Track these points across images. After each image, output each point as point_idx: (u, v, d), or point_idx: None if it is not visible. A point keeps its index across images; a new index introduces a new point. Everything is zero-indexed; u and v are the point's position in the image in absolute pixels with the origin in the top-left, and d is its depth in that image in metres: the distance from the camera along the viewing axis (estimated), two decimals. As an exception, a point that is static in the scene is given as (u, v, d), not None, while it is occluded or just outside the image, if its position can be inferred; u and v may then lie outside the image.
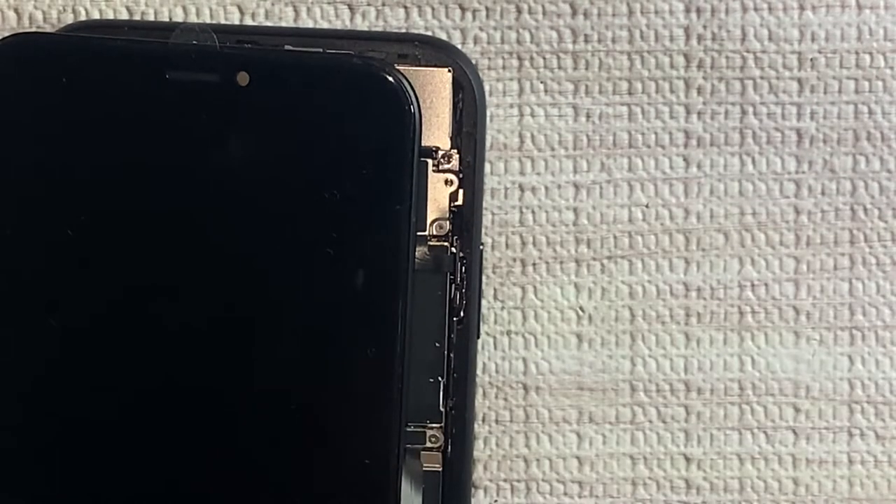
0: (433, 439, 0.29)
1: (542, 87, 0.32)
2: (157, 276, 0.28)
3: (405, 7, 0.32)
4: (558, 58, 0.32)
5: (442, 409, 0.29)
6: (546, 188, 0.33)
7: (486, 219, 0.32)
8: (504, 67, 0.32)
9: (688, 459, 0.33)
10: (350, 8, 0.32)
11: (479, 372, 0.31)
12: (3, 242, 0.28)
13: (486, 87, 0.31)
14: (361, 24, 0.32)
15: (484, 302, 0.32)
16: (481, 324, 0.31)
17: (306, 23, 0.32)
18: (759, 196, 0.33)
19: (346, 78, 0.27)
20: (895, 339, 0.33)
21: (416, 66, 0.29)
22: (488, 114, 0.31)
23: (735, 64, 0.32)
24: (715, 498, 0.33)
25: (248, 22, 0.32)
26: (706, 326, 0.33)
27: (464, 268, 0.29)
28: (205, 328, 0.28)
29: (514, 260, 0.33)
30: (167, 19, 0.32)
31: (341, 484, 0.28)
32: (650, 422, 0.33)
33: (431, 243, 0.29)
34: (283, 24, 0.32)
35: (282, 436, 0.28)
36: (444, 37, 0.32)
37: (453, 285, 0.29)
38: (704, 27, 0.32)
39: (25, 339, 0.28)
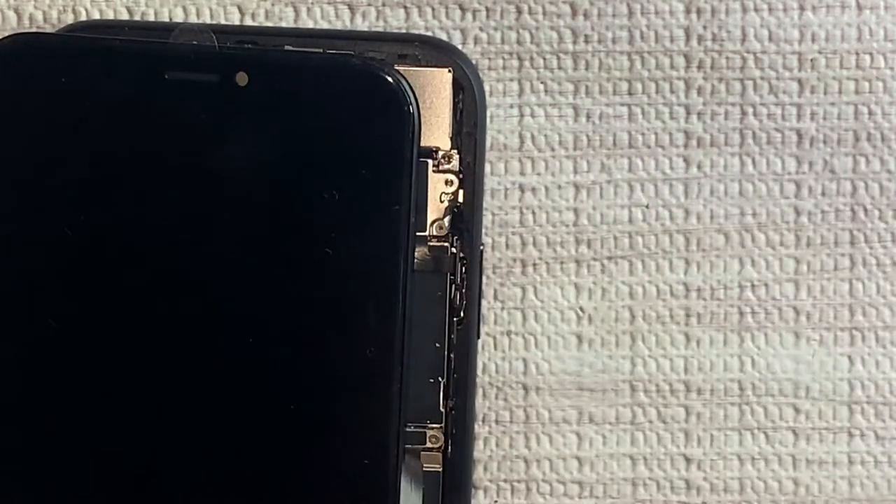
0: (433, 439, 0.29)
1: (542, 87, 0.32)
2: (156, 276, 0.28)
3: (405, 7, 0.32)
4: (558, 58, 0.32)
5: (442, 409, 0.29)
6: (546, 188, 0.33)
7: (486, 219, 0.32)
8: (504, 67, 0.32)
9: (688, 460, 0.33)
10: (350, 8, 0.32)
11: (479, 372, 0.31)
12: (2, 242, 0.28)
13: (486, 88, 0.31)
14: (361, 25, 0.32)
15: (484, 302, 0.32)
16: (481, 324, 0.31)
17: (306, 23, 0.32)
18: (759, 197, 0.33)
19: (345, 78, 0.27)
20: (895, 340, 0.33)
21: (416, 66, 0.29)
22: (488, 114, 0.31)
23: (735, 64, 0.32)
24: (715, 498, 0.33)
25: (248, 22, 0.32)
26: (706, 327, 0.33)
27: (464, 268, 0.29)
28: (203, 328, 0.28)
29: (514, 260, 0.33)
30: (167, 19, 0.32)
31: (341, 484, 0.28)
32: (650, 422, 0.33)
33: (431, 243, 0.29)
34: (283, 25, 0.32)
35: (282, 436, 0.28)
36: (444, 37, 0.32)
37: (453, 285, 0.29)
38: (704, 28, 0.32)
39: (27, 335, 0.28)
